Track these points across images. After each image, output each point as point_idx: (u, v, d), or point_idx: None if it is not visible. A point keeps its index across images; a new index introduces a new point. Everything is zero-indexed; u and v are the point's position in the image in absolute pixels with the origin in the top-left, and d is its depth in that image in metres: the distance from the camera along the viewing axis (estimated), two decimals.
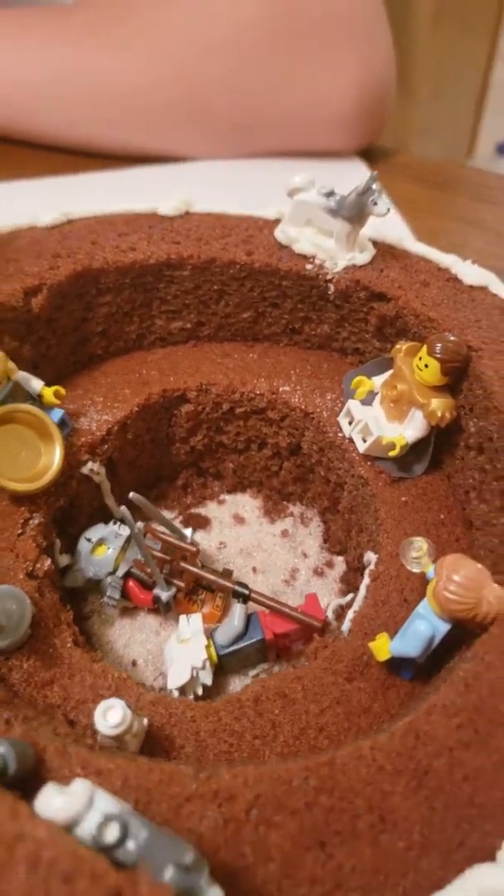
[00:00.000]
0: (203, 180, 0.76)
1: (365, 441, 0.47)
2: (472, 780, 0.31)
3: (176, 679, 0.42)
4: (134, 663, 0.46)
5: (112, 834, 0.25)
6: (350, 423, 0.48)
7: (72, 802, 0.26)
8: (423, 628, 0.36)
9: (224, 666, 0.45)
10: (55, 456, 0.44)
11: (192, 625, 0.45)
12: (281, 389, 0.50)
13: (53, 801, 0.26)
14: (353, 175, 0.65)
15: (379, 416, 0.47)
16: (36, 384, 0.45)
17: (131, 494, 0.43)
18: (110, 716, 0.34)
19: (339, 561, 0.52)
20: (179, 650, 0.44)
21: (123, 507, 0.45)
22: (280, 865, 0.28)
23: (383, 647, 0.37)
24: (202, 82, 0.74)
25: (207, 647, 0.44)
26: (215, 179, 0.77)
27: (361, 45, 0.77)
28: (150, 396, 0.49)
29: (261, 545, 0.52)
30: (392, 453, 0.45)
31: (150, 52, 0.73)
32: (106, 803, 0.26)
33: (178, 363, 0.51)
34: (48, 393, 0.45)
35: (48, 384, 0.46)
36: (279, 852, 0.29)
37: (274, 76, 0.73)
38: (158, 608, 0.47)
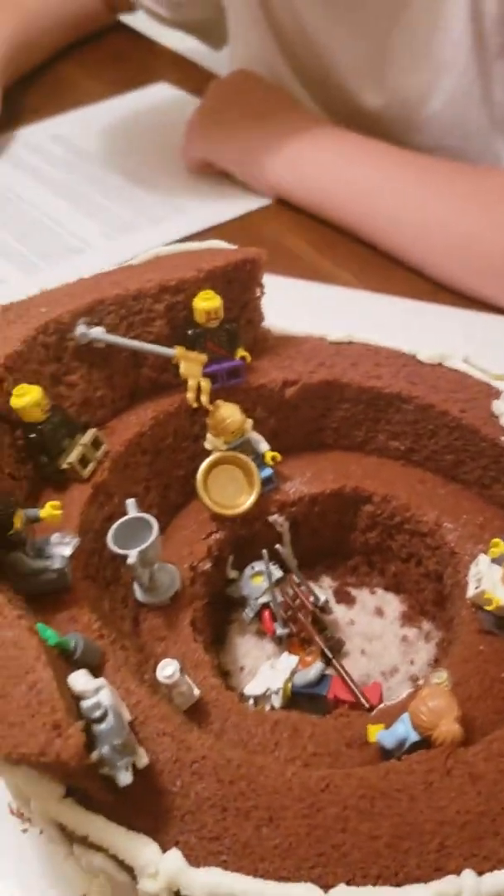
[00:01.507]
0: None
1: (476, 589, 0.55)
2: (361, 848, 0.40)
3: (252, 689, 0.56)
4: (242, 668, 0.60)
5: (94, 713, 0.41)
6: (474, 572, 0.56)
7: (86, 684, 0.41)
8: (400, 730, 0.45)
9: (294, 701, 0.57)
10: (250, 500, 0.61)
11: (288, 661, 0.58)
12: (444, 525, 0.60)
13: (79, 679, 0.42)
14: None
15: (496, 576, 0.55)
16: (263, 446, 0.62)
17: (278, 545, 0.58)
18: (166, 669, 0.49)
19: None
20: (268, 673, 0.57)
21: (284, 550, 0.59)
22: (192, 802, 0.41)
23: (373, 732, 0.47)
24: None
25: (287, 681, 0.56)
26: None
27: None
28: (343, 487, 0.63)
29: (382, 638, 0.62)
30: (487, 607, 0.53)
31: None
32: (106, 697, 0.41)
33: (381, 472, 0.64)
34: (268, 455, 0.62)
35: (275, 450, 0.62)
36: (195, 796, 0.41)
37: None
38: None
